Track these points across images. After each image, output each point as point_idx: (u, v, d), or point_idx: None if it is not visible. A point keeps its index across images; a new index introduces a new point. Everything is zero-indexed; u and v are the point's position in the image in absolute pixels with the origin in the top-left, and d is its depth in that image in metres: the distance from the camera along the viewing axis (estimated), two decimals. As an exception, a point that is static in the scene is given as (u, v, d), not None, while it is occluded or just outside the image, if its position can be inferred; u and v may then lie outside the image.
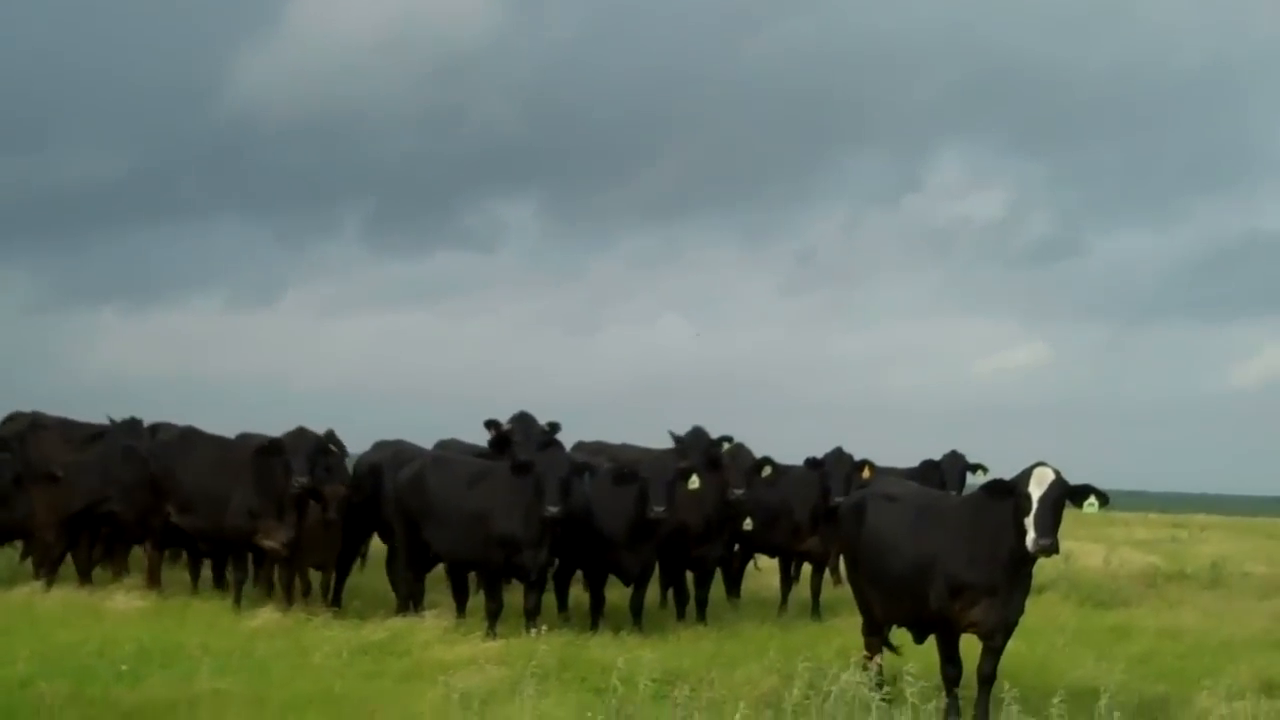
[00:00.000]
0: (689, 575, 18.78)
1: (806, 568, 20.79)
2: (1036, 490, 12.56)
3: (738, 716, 10.84)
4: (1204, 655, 17.11)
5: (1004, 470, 12.95)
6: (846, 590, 22.09)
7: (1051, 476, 12.63)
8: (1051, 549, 12.59)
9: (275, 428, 18.70)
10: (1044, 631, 17.15)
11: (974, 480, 20.66)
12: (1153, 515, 54.48)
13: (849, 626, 17.75)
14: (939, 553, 13.17)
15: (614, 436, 22.40)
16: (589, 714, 11.46)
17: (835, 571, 21.43)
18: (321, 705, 12.14)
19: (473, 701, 11.69)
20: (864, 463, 19.79)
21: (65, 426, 21.07)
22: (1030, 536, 12.49)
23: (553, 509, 16.14)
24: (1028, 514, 12.54)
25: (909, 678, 11.56)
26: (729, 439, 18.89)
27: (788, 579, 20.46)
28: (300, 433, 17.95)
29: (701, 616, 18.31)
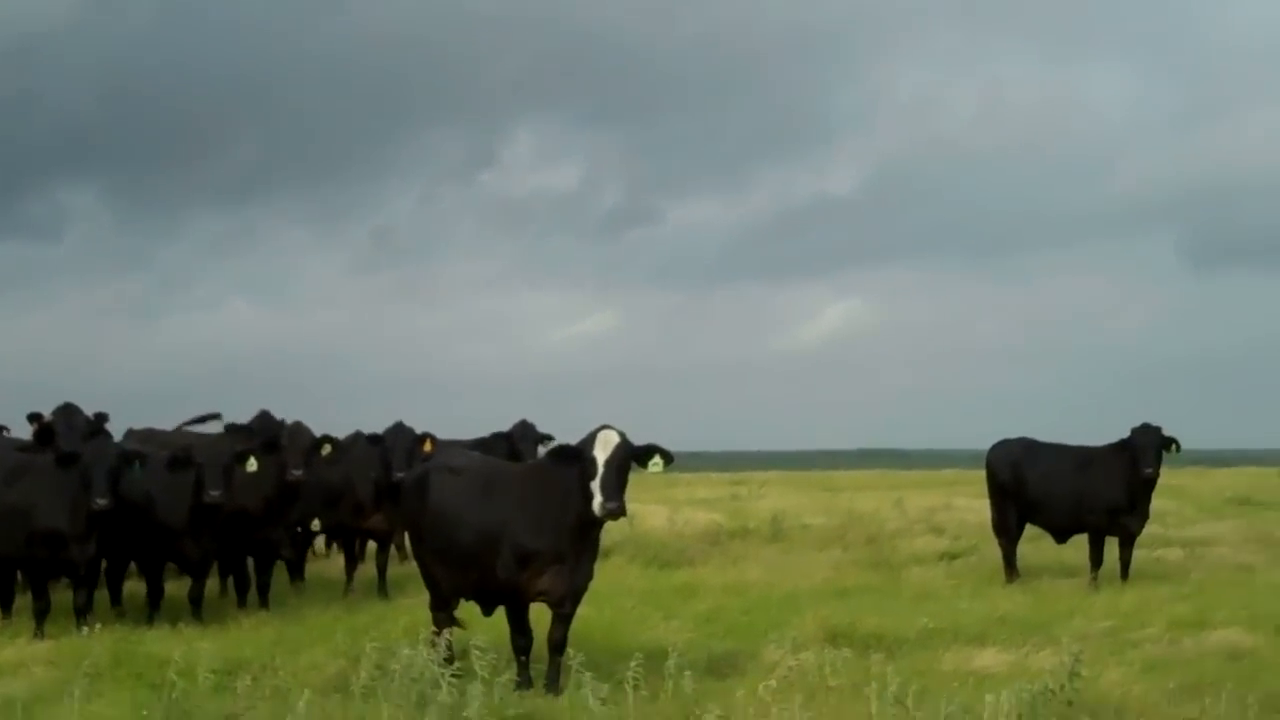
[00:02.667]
0: (249, 561, 18.24)
1: (371, 545, 20.44)
2: (601, 453, 12.45)
3: (302, 703, 10.40)
4: (769, 609, 17.38)
5: (576, 437, 12.81)
6: (413, 566, 21.97)
7: (616, 439, 12.54)
8: (619, 512, 12.50)
9: None
10: (612, 595, 17.13)
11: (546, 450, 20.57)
12: (714, 474, 55.71)
13: (417, 604, 17.45)
14: (505, 522, 12.97)
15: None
16: (144, 712, 10.86)
17: (401, 548, 21.12)
18: None
19: (15, 707, 10.95)
20: (425, 436, 19.54)
21: None
22: (597, 500, 12.38)
23: (101, 501, 15.40)
24: (593, 478, 12.41)
25: (477, 651, 11.31)
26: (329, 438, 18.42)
27: (352, 558, 20.05)
28: None
29: (264, 603, 17.76)
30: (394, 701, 11.01)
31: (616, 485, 12.48)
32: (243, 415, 20.19)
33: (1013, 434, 21.54)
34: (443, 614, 13.85)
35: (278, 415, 19.48)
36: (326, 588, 19.59)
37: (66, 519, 15.68)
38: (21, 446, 18.50)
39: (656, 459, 13.06)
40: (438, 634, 13.07)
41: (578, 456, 12.59)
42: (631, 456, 12.72)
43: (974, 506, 32.84)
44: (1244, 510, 34.74)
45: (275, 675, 12.08)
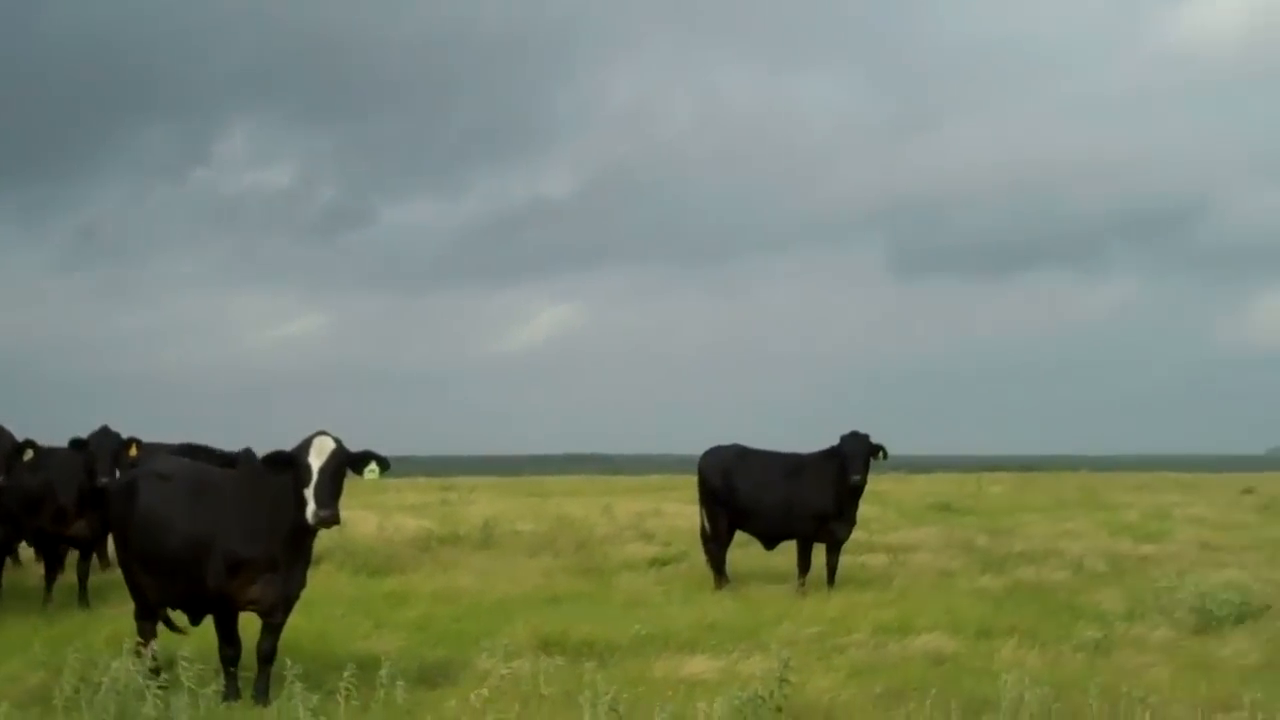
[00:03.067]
0: None
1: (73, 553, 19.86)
2: (316, 460, 12.26)
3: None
4: (480, 616, 17.35)
5: (284, 441, 12.59)
6: (116, 574, 21.43)
7: (332, 445, 12.37)
8: (332, 520, 12.34)
9: None
10: (321, 602, 16.91)
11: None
12: (423, 479, 55.46)
13: (120, 613, 17.04)
14: (215, 529, 12.69)
15: None
16: None
17: (104, 556, 20.59)
18: None
19: None
20: (131, 440, 19.05)
21: None
22: (310, 508, 12.19)
23: None
24: (307, 485, 12.21)
25: (184, 662, 11.07)
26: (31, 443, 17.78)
27: (52, 566, 19.44)
28: None
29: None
30: (96, 714, 10.71)
31: (331, 492, 12.31)
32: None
33: (719, 440, 21.79)
34: (148, 623, 13.51)
35: None
36: (24, 597, 18.99)
37: None
38: None
39: (373, 465, 12.93)
40: (143, 644, 12.78)
41: (291, 463, 12.38)
42: (347, 463, 12.56)
43: (683, 512, 33.25)
44: (944, 516, 35.77)
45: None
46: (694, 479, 22.09)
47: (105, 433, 18.88)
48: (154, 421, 20.97)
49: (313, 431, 12.50)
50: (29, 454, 17.71)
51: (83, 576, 19.09)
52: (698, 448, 22.03)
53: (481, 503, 38.45)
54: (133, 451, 18.83)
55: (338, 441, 12.43)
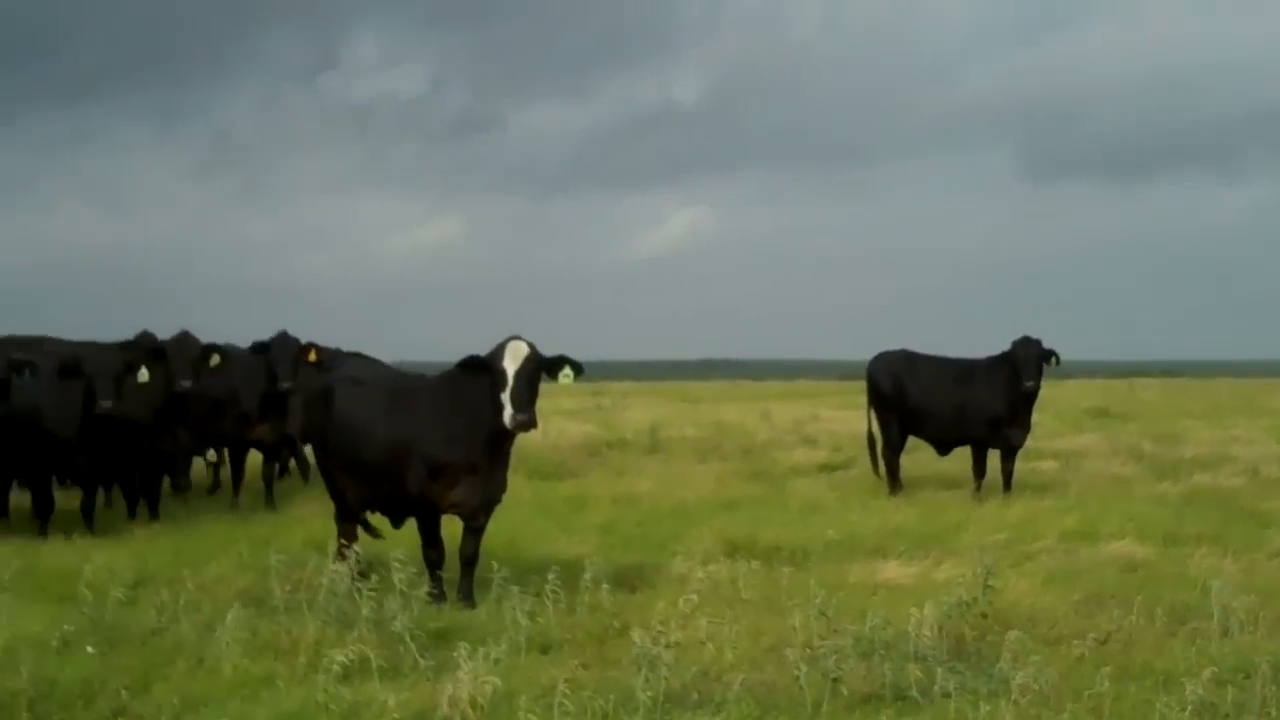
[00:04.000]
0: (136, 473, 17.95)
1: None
2: (511, 365, 12.36)
3: (230, 617, 10.27)
4: (661, 520, 17.47)
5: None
6: (296, 478, 21.81)
7: (526, 350, 12.45)
8: (529, 424, 12.46)
9: None
10: (505, 507, 17.05)
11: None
12: (570, 384, 55.54)
13: (309, 515, 17.38)
14: (415, 434, 12.86)
15: (16, 328, 21.22)
16: (66, 626, 10.66)
17: (283, 460, 20.97)
18: None
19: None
20: (309, 346, 19.28)
21: None
22: (508, 413, 12.31)
23: None
24: (503, 390, 12.33)
25: (397, 564, 11.21)
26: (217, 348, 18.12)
27: (239, 470, 19.77)
28: None
29: (154, 514, 17.51)
30: (317, 615, 10.90)
31: (527, 397, 12.42)
32: (75, 321, 19.86)
33: (851, 344, 21.76)
34: (349, 525, 13.71)
35: (111, 320, 19.17)
36: (212, 500, 19.38)
37: None
38: None
39: (567, 370, 13.02)
40: (346, 546, 12.95)
41: (487, 367, 12.49)
42: (542, 367, 12.66)
43: (839, 417, 33.29)
44: (1104, 422, 35.44)
45: (185, 589, 11.85)
46: (841, 385, 22.14)
47: (285, 338, 19.11)
48: (286, 327, 21.22)
49: (506, 336, 12.59)
50: (215, 359, 18.01)
51: (269, 480, 19.42)
52: (831, 353, 22.01)
53: (636, 409, 38.55)
54: (311, 356, 19.07)
55: (531, 346, 12.51)
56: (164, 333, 18.52)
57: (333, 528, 14.15)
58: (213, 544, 15.06)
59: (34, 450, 16.28)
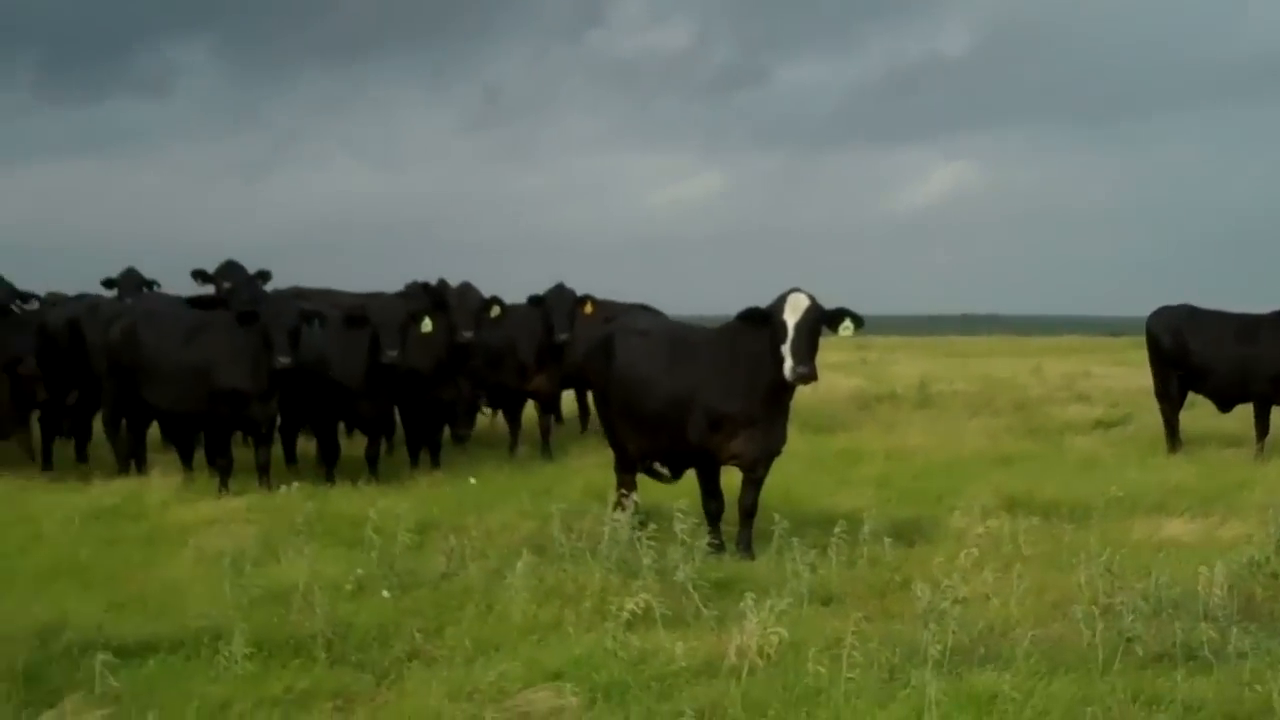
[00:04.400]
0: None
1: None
2: (791, 317, 12.37)
3: (521, 564, 10.45)
4: (935, 474, 17.33)
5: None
6: (570, 428, 22.11)
7: (806, 302, 12.45)
8: (810, 376, 12.47)
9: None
10: (779, 460, 17.08)
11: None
12: (834, 337, 55.30)
13: (585, 465, 17.60)
14: (696, 385, 12.94)
15: (290, 281, 21.76)
16: (359, 569, 10.97)
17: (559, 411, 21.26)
18: (69, 575, 11.42)
19: (224, 561, 11.04)
20: (585, 298, 19.50)
21: None
22: (788, 365, 12.33)
23: (284, 360, 15.47)
24: (784, 342, 12.34)
25: (678, 514, 11.29)
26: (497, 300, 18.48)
27: (516, 420, 20.10)
28: None
29: (435, 462, 17.89)
30: (600, 563, 11.04)
31: (808, 349, 12.44)
32: (347, 274, 20.26)
33: (1122, 299, 21.28)
34: (628, 475, 13.85)
35: (379, 274, 19.55)
36: (491, 446, 19.69)
37: (249, 377, 15.81)
38: (192, 302, 18.69)
39: (847, 322, 13.02)
40: (626, 496, 13.06)
41: (767, 319, 12.50)
42: (822, 320, 12.65)
43: (1112, 374, 32.67)
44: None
45: (468, 535, 12.09)
46: (1112, 340, 21.59)
47: (561, 290, 19.33)
48: (552, 281, 21.44)
49: (787, 289, 12.59)
50: (496, 310, 18.32)
51: (545, 430, 19.69)
52: (1097, 309, 21.49)
53: (902, 363, 38.28)
54: (588, 308, 19.29)
55: (812, 298, 12.50)
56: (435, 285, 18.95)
57: (610, 478, 14.32)
58: (494, 492, 15.32)
59: (321, 399, 16.74)
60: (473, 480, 15.82)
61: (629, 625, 9.34)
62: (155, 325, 16.64)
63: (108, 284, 20.46)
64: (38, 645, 9.10)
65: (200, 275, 18.97)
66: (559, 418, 21.54)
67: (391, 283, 19.88)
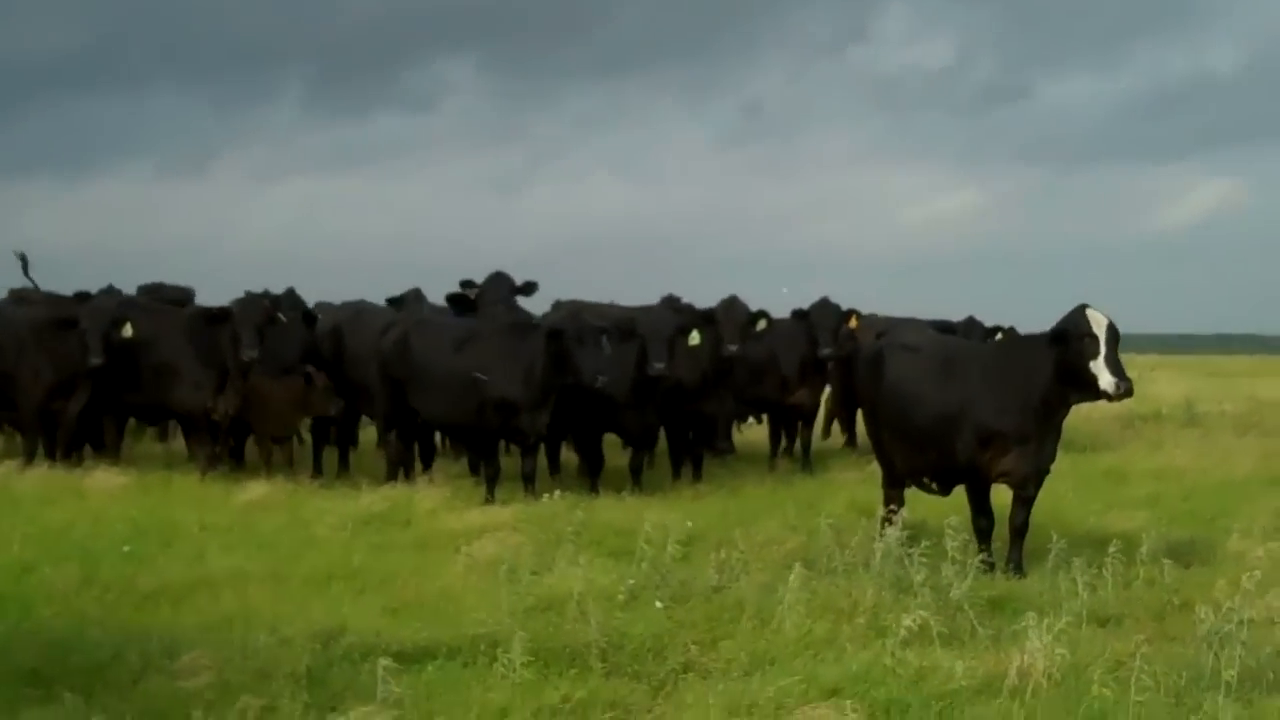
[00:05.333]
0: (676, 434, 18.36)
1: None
2: (1100, 331, 12.19)
3: (793, 577, 10.38)
4: (1206, 495, 16.93)
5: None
6: (832, 443, 22.00)
7: (1105, 318, 12.26)
8: (1130, 390, 12.26)
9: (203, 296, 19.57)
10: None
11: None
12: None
13: (848, 481, 17.54)
14: (967, 402, 12.79)
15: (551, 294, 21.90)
16: (630, 580, 10.99)
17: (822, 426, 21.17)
18: (343, 580, 11.67)
19: (499, 570, 11.14)
20: (850, 312, 19.42)
21: (51, 301, 19.95)
22: (1106, 379, 12.16)
23: (602, 379, 15.79)
24: (1094, 357, 12.17)
25: (950, 531, 11.16)
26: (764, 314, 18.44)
27: (777, 434, 20.07)
28: (250, 301, 17.64)
29: (697, 475, 17.88)
30: (874, 577, 10.93)
31: (1118, 362, 12.27)
32: (603, 288, 20.31)
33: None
34: (895, 491, 13.74)
35: (630, 289, 19.57)
36: (746, 463, 19.65)
37: (520, 389, 15.96)
38: (453, 305, 18.83)
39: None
40: (894, 512, 12.90)
41: (1063, 338, 12.30)
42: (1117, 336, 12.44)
43: (1387, 397, 31.61)
44: None
45: (736, 548, 12.03)
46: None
47: (826, 305, 19.27)
48: (809, 298, 21.31)
49: (1075, 306, 12.40)
50: (762, 324, 18.28)
51: (806, 445, 19.64)
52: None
53: (1163, 382, 37.43)
54: (853, 323, 19.20)
55: (1106, 314, 12.33)
56: (689, 299, 19.04)
57: (874, 493, 14.22)
58: (758, 506, 15.34)
59: (587, 410, 16.85)
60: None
61: (904, 642, 9.24)
62: (427, 334, 16.84)
63: (393, 302, 20.38)
64: (319, 649, 9.27)
65: (467, 285, 19.18)
66: (825, 433, 21.45)
67: (646, 297, 19.99)
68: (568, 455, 18.66)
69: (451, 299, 18.47)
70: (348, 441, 19.21)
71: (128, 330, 17.42)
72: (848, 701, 8.28)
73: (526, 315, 17.71)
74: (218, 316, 17.57)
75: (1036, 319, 17.80)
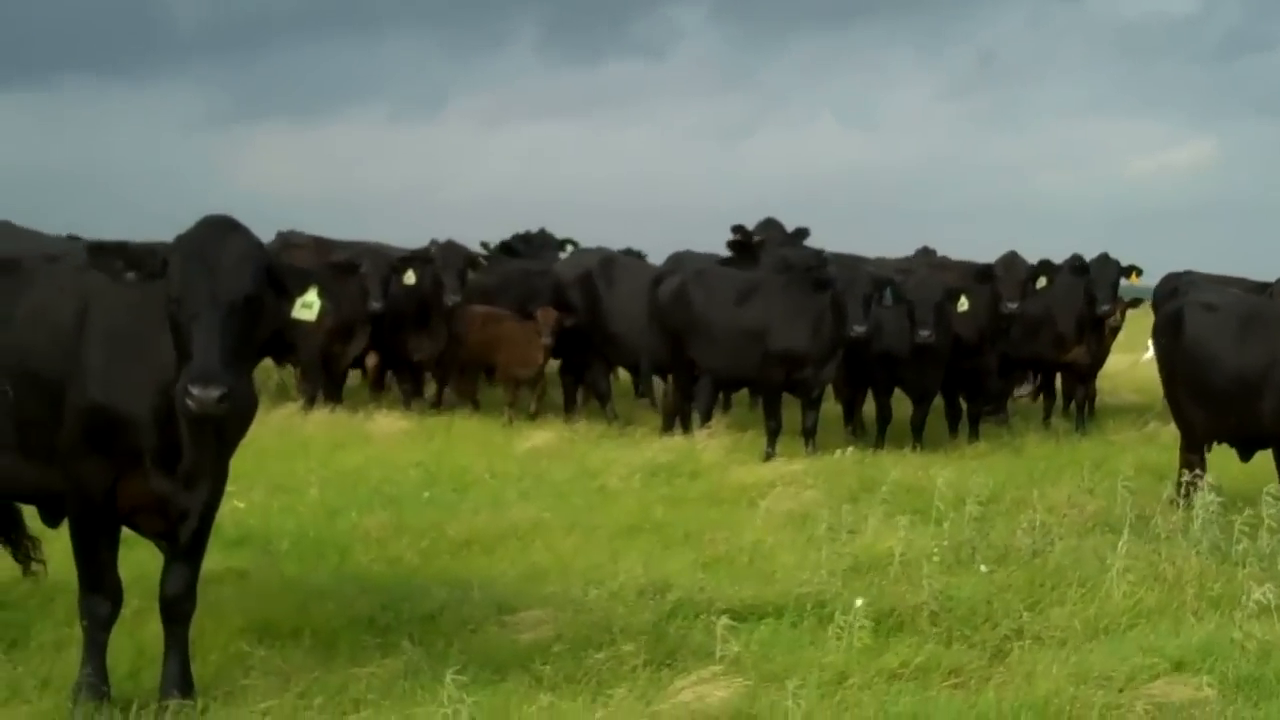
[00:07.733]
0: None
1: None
2: None
3: (1120, 545, 10.14)
4: None
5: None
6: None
7: None
8: None
9: (422, 239, 19.81)
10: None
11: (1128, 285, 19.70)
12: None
13: (1130, 441, 17.12)
14: (1273, 364, 12.41)
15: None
16: (945, 541, 10.80)
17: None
18: (651, 533, 11.65)
19: (829, 528, 10.99)
20: (1131, 268, 18.94)
21: (320, 245, 20.25)
22: None
23: (859, 329, 15.36)
24: None
25: (1269, 498, 10.81)
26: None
27: (1050, 392, 19.70)
28: (449, 246, 18.45)
29: (975, 433, 17.58)
30: (1192, 547, 10.66)
31: None
32: (822, 237, 19.91)
33: None
34: (1195, 456, 13.28)
35: (851, 236, 19.28)
36: (1027, 423, 19.19)
37: (807, 341, 15.83)
38: (724, 261, 18.75)
39: None
40: (1199, 476, 12.48)
41: None
42: None
43: None
44: None
45: (1034, 509, 11.77)
46: None
47: (1106, 260, 18.69)
48: (1027, 249, 20.83)
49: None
50: (1043, 282, 17.89)
51: (1080, 404, 19.19)
52: None
53: None
54: (1134, 279, 18.78)
55: None
56: (904, 249, 18.76)
57: (1162, 455, 13.95)
58: (1045, 466, 15.03)
59: (872, 366, 16.80)
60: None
61: (1255, 614, 8.97)
62: (706, 285, 16.75)
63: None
64: (651, 604, 9.26)
65: (738, 230, 19.04)
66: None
67: (867, 248, 19.69)
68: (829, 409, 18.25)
69: (732, 245, 18.36)
70: (603, 391, 19.06)
71: (409, 278, 17.58)
72: (1203, 677, 8.03)
73: (819, 258, 17.52)
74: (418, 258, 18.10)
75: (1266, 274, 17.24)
